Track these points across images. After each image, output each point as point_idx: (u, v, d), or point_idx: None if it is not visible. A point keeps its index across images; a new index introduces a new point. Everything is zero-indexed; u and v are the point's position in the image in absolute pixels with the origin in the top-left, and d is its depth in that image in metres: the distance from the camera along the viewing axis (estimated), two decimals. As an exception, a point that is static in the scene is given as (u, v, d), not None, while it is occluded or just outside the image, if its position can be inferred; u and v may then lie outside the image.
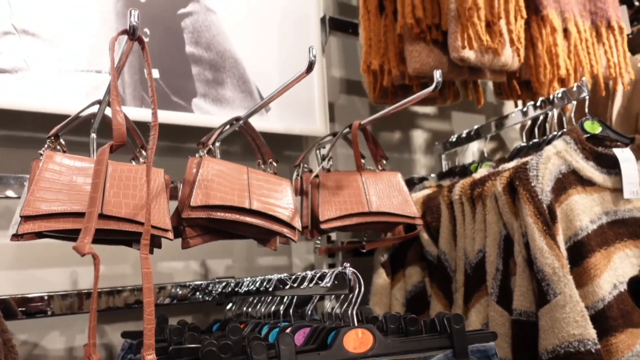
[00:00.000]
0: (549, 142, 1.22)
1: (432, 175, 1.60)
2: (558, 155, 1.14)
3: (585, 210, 1.10)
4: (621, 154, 1.15)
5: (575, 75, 1.52)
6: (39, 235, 0.80)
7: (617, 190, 1.14)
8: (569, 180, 1.12)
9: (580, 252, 1.06)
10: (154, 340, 0.65)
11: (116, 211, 0.83)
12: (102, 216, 0.82)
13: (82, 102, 1.04)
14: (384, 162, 1.27)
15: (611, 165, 1.14)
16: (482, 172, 1.27)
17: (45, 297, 1.12)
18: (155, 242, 0.94)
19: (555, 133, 1.28)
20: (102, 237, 0.86)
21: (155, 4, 1.29)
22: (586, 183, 1.13)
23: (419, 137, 1.90)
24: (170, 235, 0.89)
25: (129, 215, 0.84)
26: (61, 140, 0.91)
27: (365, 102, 1.77)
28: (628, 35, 1.73)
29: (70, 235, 0.82)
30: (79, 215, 0.80)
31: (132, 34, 0.64)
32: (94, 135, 1.02)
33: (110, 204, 0.83)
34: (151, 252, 0.97)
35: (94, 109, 0.99)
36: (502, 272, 1.09)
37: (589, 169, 1.14)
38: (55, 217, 0.80)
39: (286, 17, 1.50)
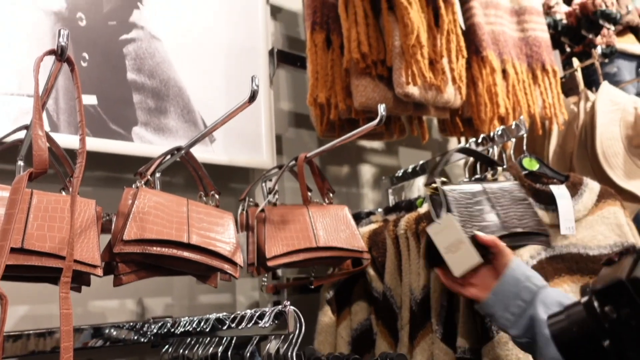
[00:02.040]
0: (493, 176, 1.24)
1: (379, 209, 1.60)
2: None
3: (525, 246, 1.12)
4: (557, 190, 1.19)
5: (514, 114, 1.58)
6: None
7: (555, 226, 1.16)
8: None
9: None
10: (72, 390, 0.59)
11: (39, 245, 0.77)
12: (23, 250, 0.75)
13: (10, 128, 0.97)
14: (331, 195, 1.25)
15: (548, 202, 1.18)
16: (427, 206, 1.28)
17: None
18: (84, 280, 0.87)
19: (496, 169, 1.31)
20: (24, 273, 0.79)
21: (96, 29, 1.24)
22: None
23: (366, 171, 1.91)
24: (99, 272, 0.82)
25: (54, 249, 0.77)
26: (-19, 168, 0.84)
27: (314, 136, 1.77)
28: (561, 78, 1.84)
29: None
30: (-5, 250, 0.72)
31: (60, 54, 0.60)
32: (20, 162, 0.96)
33: (32, 237, 0.76)
34: (79, 290, 0.90)
35: (22, 134, 0.93)
36: (447, 309, 1.08)
37: None
38: (-33, 252, 0.72)
39: (234, 49, 1.49)
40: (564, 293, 0.87)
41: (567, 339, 0.56)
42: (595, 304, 0.52)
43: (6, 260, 0.58)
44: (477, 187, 1.07)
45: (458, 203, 1.02)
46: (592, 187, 1.22)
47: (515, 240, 1.03)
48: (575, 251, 1.15)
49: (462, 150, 1.35)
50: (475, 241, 0.95)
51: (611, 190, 1.25)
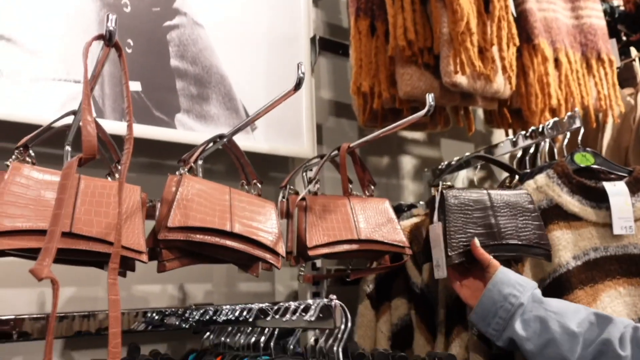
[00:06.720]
0: (537, 173, 1.19)
1: (421, 202, 1.56)
2: (539, 190, 1.11)
3: (567, 246, 1.06)
4: (612, 187, 1.12)
5: (566, 106, 1.51)
6: (2, 253, 0.73)
7: (607, 225, 1.10)
8: (550, 215, 1.09)
9: (559, 289, 1.03)
10: (119, 376, 0.59)
11: (86, 230, 0.77)
12: (71, 235, 0.76)
13: (58, 113, 0.98)
14: (372, 187, 1.22)
15: (600, 199, 1.11)
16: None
17: (11, 321, 1.04)
18: (129, 265, 0.87)
19: (544, 164, 1.25)
20: (71, 257, 0.80)
21: (140, 15, 1.25)
22: (571, 218, 1.10)
23: (407, 163, 1.87)
24: (145, 257, 0.83)
25: (100, 234, 0.78)
26: (31, 152, 0.85)
27: (354, 125, 1.74)
28: (617, 68, 1.74)
29: (37, 254, 0.75)
30: (45, 233, 0.73)
31: (108, 39, 0.59)
32: (68, 147, 0.97)
33: (80, 222, 0.77)
34: (124, 275, 0.90)
35: (69, 119, 0.93)
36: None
37: (574, 203, 1.11)
38: (19, 235, 0.73)
39: (276, 36, 1.48)
40: (546, 307, 0.89)
41: None
42: None
43: (63, 244, 0.58)
44: (482, 194, 1.08)
45: (458, 208, 1.04)
46: None
47: (509, 250, 1.02)
48: (635, 252, 1.08)
49: (481, 157, 1.37)
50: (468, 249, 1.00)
51: None
